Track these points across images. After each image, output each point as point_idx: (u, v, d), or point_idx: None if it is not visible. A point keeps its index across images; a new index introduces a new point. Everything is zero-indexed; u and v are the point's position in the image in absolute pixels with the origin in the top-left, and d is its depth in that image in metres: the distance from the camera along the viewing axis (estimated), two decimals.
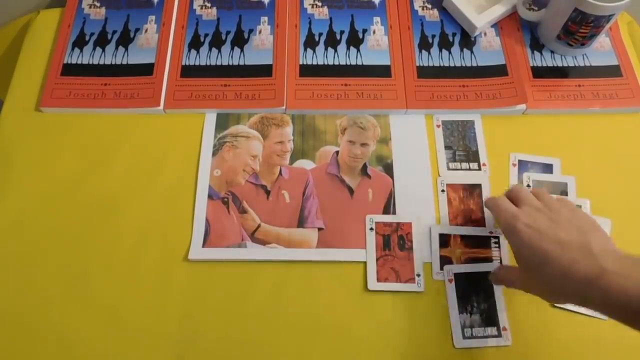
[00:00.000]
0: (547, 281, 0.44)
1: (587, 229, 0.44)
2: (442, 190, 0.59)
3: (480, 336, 0.52)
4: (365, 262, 0.55)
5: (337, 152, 0.61)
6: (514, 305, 0.53)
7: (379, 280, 0.54)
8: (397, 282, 0.54)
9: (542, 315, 0.53)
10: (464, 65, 0.65)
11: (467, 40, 0.67)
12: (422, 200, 0.58)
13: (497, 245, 0.56)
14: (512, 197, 0.50)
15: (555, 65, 0.66)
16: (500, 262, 0.55)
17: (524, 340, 0.52)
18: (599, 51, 0.67)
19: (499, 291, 0.54)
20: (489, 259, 0.55)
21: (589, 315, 0.53)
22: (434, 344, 0.52)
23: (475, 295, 0.54)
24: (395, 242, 0.56)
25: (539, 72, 0.65)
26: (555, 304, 0.52)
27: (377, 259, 0.55)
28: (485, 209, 0.57)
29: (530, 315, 0.53)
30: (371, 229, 0.57)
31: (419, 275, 0.54)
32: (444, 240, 0.56)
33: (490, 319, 0.53)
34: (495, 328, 0.52)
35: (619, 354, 0.52)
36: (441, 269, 0.55)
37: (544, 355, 0.52)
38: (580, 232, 0.44)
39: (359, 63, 0.65)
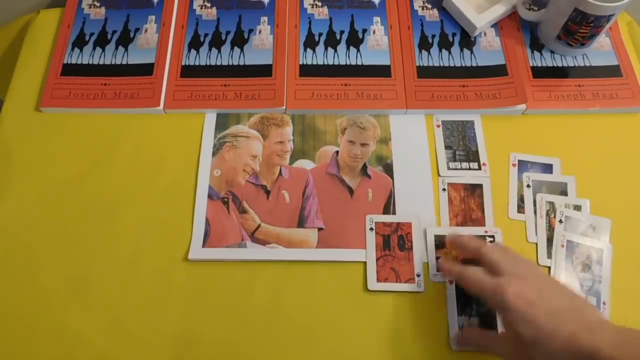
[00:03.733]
0: (543, 356, 0.42)
1: (575, 298, 0.44)
2: (444, 189, 0.59)
3: None
4: (365, 262, 0.55)
5: (337, 152, 0.61)
6: None
7: (378, 280, 0.54)
8: (397, 282, 0.54)
9: None
10: (464, 65, 0.65)
11: (467, 40, 0.67)
12: (422, 200, 0.58)
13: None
14: (474, 255, 0.49)
15: (555, 65, 0.66)
16: None
17: None
18: (599, 51, 0.67)
19: None
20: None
21: None
22: (431, 346, 0.52)
23: (475, 298, 0.53)
24: (395, 242, 0.56)
25: (539, 72, 0.65)
26: None
27: (377, 259, 0.55)
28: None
29: None
30: (371, 229, 0.57)
31: (418, 276, 0.54)
32: (440, 241, 0.56)
33: (488, 322, 0.53)
34: (494, 332, 0.52)
35: None
36: (438, 270, 0.55)
37: None
38: (570, 301, 0.43)
39: (359, 63, 0.65)
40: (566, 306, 0.43)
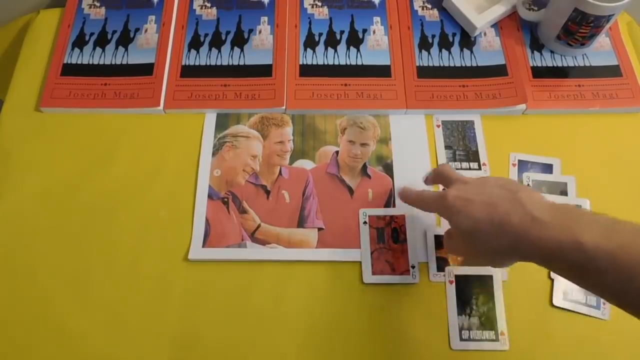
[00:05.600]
0: (485, 244, 0.42)
1: (516, 188, 0.43)
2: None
3: (478, 339, 0.52)
4: None
5: (337, 152, 0.61)
6: (513, 310, 0.53)
7: (374, 273, 0.54)
8: (392, 275, 0.54)
9: (541, 321, 0.53)
10: (464, 65, 0.65)
11: (467, 40, 0.67)
12: None
13: None
14: (439, 179, 0.50)
15: (555, 65, 0.66)
16: None
17: (522, 345, 0.52)
18: (599, 51, 0.67)
19: (499, 295, 0.54)
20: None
21: (589, 316, 0.53)
22: (431, 344, 0.52)
23: (475, 298, 0.54)
24: (389, 235, 0.56)
25: (538, 72, 0.65)
26: (500, 267, 0.50)
27: (372, 252, 0.55)
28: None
29: (529, 321, 0.53)
30: (365, 222, 0.57)
31: (413, 267, 0.55)
32: (440, 241, 0.56)
33: (488, 322, 0.53)
34: (493, 332, 0.52)
35: (619, 356, 0.52)
36: (438, 270, 0.55)
37: None
38: (509, 190, 0.43)
39: (359, 63, 0.65)
40: (501, 194, 0.42)
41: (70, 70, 0.65)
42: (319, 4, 0.70)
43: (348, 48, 0.66)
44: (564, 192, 0.59)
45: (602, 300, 0.53)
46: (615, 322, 0.53)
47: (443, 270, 0.55)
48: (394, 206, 0.58)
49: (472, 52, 0.66)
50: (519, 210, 0.40)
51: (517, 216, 0.40)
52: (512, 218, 0.40)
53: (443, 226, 0.57)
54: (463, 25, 0.68)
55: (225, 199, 0.58)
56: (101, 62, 0.65)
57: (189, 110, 0.63)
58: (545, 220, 0.39)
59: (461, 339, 0.52)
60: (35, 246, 0.56)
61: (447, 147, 0.62)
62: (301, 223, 0.57)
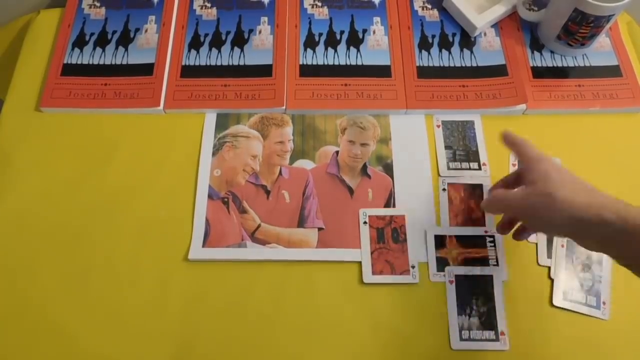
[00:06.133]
0: (551, 216, 0.44)
1: (593, 188, 0.46)
2: (444, 189, 0.59)
3: (478, 339, 0.52)
4: None
5: (337, 152, 0.61)
6: (514, 310, 0.53)
7: (374, 273, 0.54)
8: (392, 275, 0.54)
9: (541, 321, 0.53)
10: (464, 65, 0.65)
11: (467, 41, 0.67)
12: (422, 200, 0.58)
13: (492, 244, 0.56)
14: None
15: (555, 65, 0.66)
16: (497, 262, 0.55)
17: (522, 345, 0.52)
18: (599, 51, 0.67)
19: (499, 295, 0.54)
20: (485, 259, 0.55)
21: (589, 316, 0.53)
22: (431, 344, 0.52)
23: (475, 298, 0.54)
24: (389, 234, 0.56)
25: (539, 72, 0.65)
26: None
27: (372, 252, 0.55)
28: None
29: (529, 321, 0.53)
30: (365, 222, 0.57)
31: (413, 267, 0.55)
32: (440, 241, 0.56)
33: (488, 322, 0.53)
34: (493, 332, 0.52)
35: (619, 356, 0.52)
36: (438, 270, 0.55)
37: None
38: (588, 187, 0.46)
39: (359, 63, 0.65)
40: (584, 187, 0.45)
41: (70, 70, 0.65)
42: (319, 4, 0.70)
43: (348, 48, 0.66)
44: None
45: (602, 300, 0.54)
46: (615, 322, 0.53)
47: (443, 270, 0.55)
48: (394, 206, 0.58)
49: (472, 52, 0.66)
50: (595, 205, 0.43)
51: (602, 196, 0.44)
52: (597, 193, 0.44)
53: (443, 226, 0.57)
54: (463, 25, 0.68)
55: (225, 199, 0.58)
56: (101, 62, 0.65)
57: (189, 110, 0.63)
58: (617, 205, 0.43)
59: (461, 339, 0.52)
60: (35, 246, 0.56)
61: (447, 147, 0.62)
62: (301, 223, 0.57)
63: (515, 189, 0.50)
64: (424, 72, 0.65)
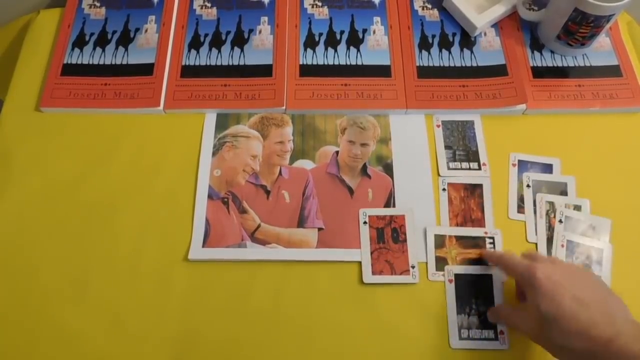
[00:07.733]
0: (559, 336, 0.43)
1: (605, 292, 0.45)
2: (444, 189, 0.59)
3: (477, 338, 0.52)
4: None
5: (337, 152, 0.61)
6: None
7: (374, 273, 0.54)
8: (392, 275, 0.54)
9: None
10: (464, 65, 0.65)
11: (467, 40, 0.67)
12: (422, 200, 0.58)
13: (492, 245, 0.56)
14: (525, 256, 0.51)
15: (555, 65, 0.66)
16: None
17: (522, 344, 0.52)
18: (599, 51, 0.67)
19: (498, 294, 0.54)
20: (484, 260, 0.55)
21: None
22: (430, 343, 0.52)
23: (475, 297, 0.54)
24: (388, 235, 0.56)
25: (539, 72, 0.65)
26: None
27: (372, 252, 0.55)
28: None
29: None
30: (365, 222, 0.57)
31: (413, 267, 0.55)
32: (439, 241, 0.56)
33: (488, 321, 0.53)
34: (493, 331, 0.52)
35: None
36: (437, 269, 0.55)
37: None
38: (599, 293, 0.44)
39: (359, 63, 0.65)
40: (592, 296, 0.43)
41: (70, 70, 0.65)
42: (319, 4, 0.70)
43: (348, 48, 0.66)
44: (563, 192, 0.59)
45: None
46: None
47: (442, 270, 0.55)
48: (394, 206, 0.58)
49: (472, 52, 0.66)
50: (607, 326, 0.41)
51: (602, 330, 0.41)
52: (598, 330, 0.41)
53: (443, 225, 0.57)
54: (463, 25, 0.68)
55: (225, 199, 0.58)
56: (101, 62, 0.65)
57: (189, 110, 0.63)
58: (630, 335, 0.40)
59: (460, 338, 0.52)
60: (35, 246, 0.56)
61: (447, 147, 0.62)
62: (301, 223, 0.57)
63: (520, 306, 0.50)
64: (424, 72, 0.65)
